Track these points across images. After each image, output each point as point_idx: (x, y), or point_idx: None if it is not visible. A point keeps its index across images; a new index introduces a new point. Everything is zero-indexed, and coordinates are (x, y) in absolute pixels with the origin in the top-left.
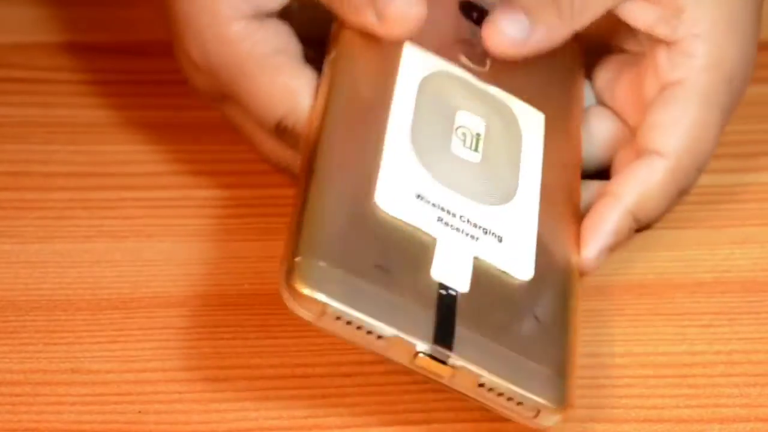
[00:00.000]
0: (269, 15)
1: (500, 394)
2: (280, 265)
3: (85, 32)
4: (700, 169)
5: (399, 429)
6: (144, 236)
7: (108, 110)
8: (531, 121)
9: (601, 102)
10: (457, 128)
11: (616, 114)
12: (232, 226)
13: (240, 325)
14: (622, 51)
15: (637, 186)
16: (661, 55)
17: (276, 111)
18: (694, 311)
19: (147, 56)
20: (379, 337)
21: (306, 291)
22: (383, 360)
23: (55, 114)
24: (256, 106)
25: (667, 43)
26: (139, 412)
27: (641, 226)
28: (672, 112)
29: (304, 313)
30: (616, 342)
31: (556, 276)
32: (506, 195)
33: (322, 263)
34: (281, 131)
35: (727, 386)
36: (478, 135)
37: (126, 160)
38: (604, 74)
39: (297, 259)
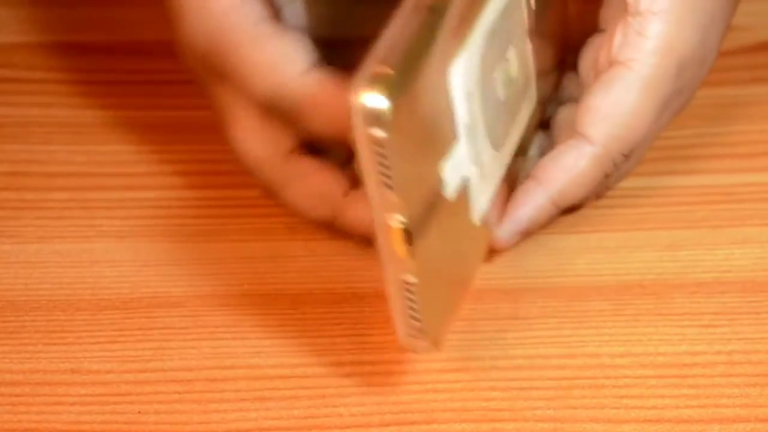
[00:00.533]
0: None
1: (411, 300)
2: (362, 74)
3: (85, 32)
4: (628, 156)
5: (399, 429)
6: (144, 236)
7: (108, 110)
8: (530, 96)
9: (581, 81)
10: (505, 60)
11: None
12: (233, 226)
13: (240, 325)
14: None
15: (561, 174)
16: (618, 30)
17: (268, 78)
18: (694, 311)
19: (147, 56)
20: (388, 188)
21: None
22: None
23: (55, 114)
24: (249, 75)
25: (626, 16)
26: (139, 412)
27: (563, 210)
28: (610, 96)
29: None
30: (616, 342)
31: (484, 236)
32: (497, 144)
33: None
34: (272, 96)
35: (727, 386)
36: (510, 78)
37: (126, 160)
38: (586, 57)
39: (387, 72)
